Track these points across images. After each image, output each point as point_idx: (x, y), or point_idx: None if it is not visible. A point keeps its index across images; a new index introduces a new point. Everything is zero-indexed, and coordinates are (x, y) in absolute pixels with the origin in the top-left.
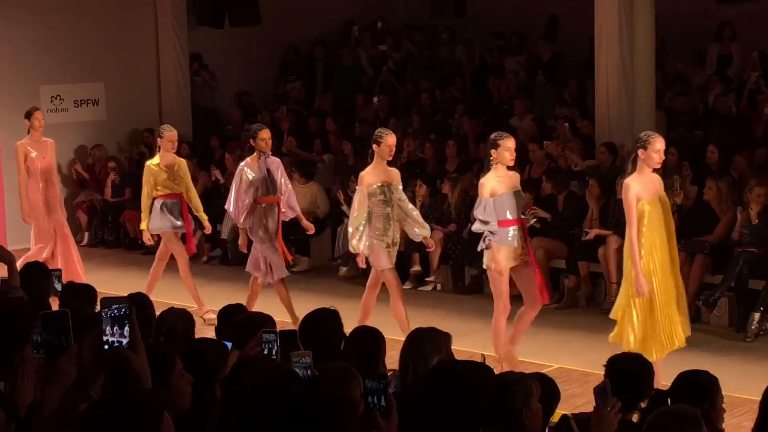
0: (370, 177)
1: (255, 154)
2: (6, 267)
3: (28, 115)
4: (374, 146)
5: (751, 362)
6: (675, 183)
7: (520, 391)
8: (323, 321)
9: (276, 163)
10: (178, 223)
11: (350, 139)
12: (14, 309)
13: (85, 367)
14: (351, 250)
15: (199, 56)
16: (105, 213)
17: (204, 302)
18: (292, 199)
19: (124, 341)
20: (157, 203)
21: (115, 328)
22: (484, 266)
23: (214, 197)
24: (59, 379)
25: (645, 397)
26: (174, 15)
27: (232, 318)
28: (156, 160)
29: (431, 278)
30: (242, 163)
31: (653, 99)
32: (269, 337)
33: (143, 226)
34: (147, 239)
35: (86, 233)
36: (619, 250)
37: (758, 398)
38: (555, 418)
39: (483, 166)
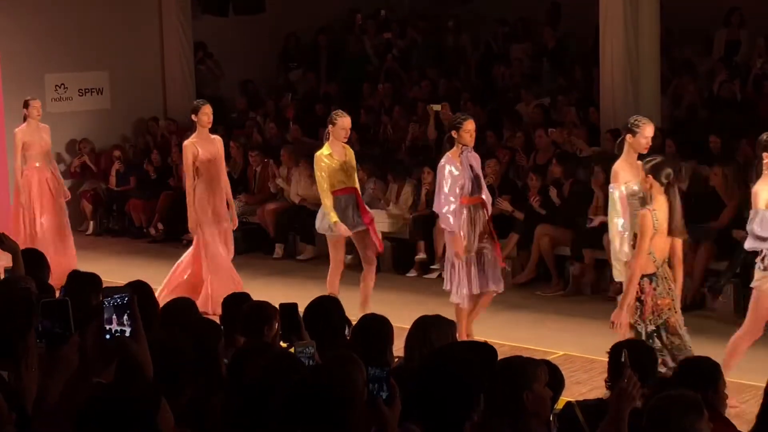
0: None
1: (455, 147)
2: (12, 257)
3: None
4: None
5: (757, 348)
6: (681, 169)
7: (522, 374)
8: (324, 308)
9: (477, 158)
10: (357, 221)
11: (355, 127)
12: (19, 299)
13: (88, 357)
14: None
15: (204, 45)
16: (110, 202)
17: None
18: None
19: (127, 330)
20: None
21: (116, 318)
22: (753, 285)
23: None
24: (61, 369)
25: (648, 382)
26: (178, 3)
27: (236, 307)
28: (326, 150)
29: (436, 266)
30: (443, 159)
31: (658, 86)
32: (308, 351)
33: (334, 218)
34: (344, 231)
35: (91, 222)
36: None
37: (763, 384)
38: (559, 405)
39: (488, 154)
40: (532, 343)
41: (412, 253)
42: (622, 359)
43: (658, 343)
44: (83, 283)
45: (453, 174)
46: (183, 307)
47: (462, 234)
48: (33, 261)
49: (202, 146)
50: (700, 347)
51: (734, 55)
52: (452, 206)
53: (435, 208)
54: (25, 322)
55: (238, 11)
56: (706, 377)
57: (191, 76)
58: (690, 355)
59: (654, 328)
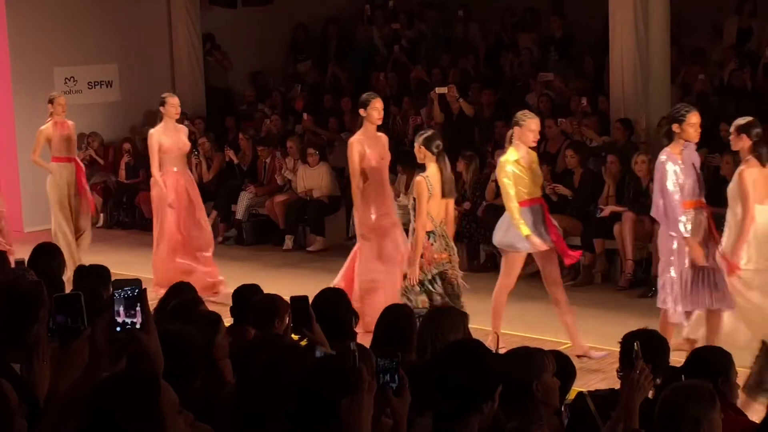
0: None
1: (675, 142)
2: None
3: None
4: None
5: None
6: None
7: (531, 364)
8: (332, 300)
9: (698, 156)
10: (545, 236)
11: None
12: (29, 291)
13: (97, 349)
14: None
15: (212, 36)
16: (120, 194)
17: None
18: None
19: (137, 322)
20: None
21: (127, 310)
22: None
23: (229, 177)
24: (73, 362)
25: (660, 373)
26: None
27: (247, 298)
28: (513, 154)
29: None
30: (663, 155)
31: (668, 75)
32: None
33: (526, 231)
34: (541, 245)
35: (101, 214)
36: (634, 227)
37: None
38: (571, 395)
39: (498, 145)
40: (542, 333)
41: None
42: (634, 350)
43: (438, 288)
44: (91, 275)
45: (676, 173)
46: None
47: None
48: (45, 254)
49: (169, 136)
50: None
51: (746, 44)
52: (680, 209)
53: (654, 214)
54: (35, 315)
55: (247, 2)
56: (717, 366)
57: (200, 67)
58: (461, 303)
59: (431, 277)
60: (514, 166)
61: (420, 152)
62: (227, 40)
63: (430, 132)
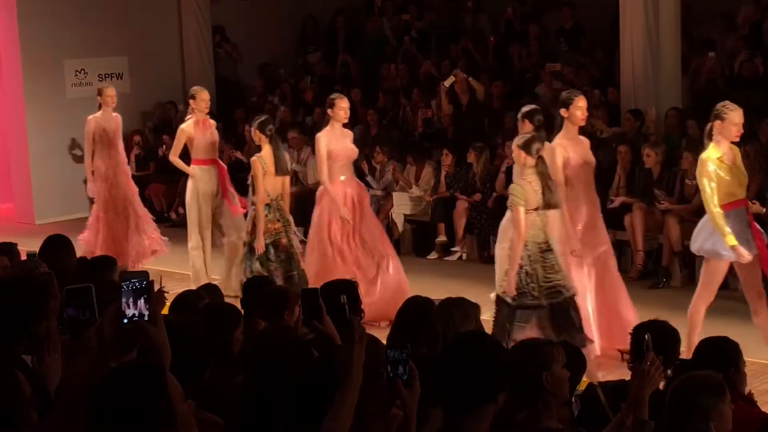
0: None
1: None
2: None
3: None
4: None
5: None
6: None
7: (541, 356)
8: (341, 291)
9: None
10: (751, 244)
11: (374, 109)
12: (39, 283)
13: (105, 341)
14: None
15: (222, 28)
16: None
17: None
18: None
19: (145, 314)
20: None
21: (134, 302)
22: None
23: (239, 171)
24: (84, 355)
25: (671, 364)
26: None
27: (258, 290)
28: (714, 152)
29: (457, 248)
30: None
31: (679, 65)
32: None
33: (732, 240)
34: (747, 256)
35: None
36: (645, 218)
37: None
38: (582, 386)
39: (507, 136)
40: None
41: (432, 235)
42: (645, 341)
43: (272, 256)
44: (96, 266)
45: None
46: (192, 296)
47: None
48: (56, 246)
49: (338, 141)
50: (723, 327)
51: (758, 34)
52: None
53: None
54: (46, 307)
55: None
56: (726, 356)
57: (210, 60)
58: (299, 267)
59: (265, 245)
60: (717, 164)
61: (255, 135)
62: (237, 32)
63: (264, 117)
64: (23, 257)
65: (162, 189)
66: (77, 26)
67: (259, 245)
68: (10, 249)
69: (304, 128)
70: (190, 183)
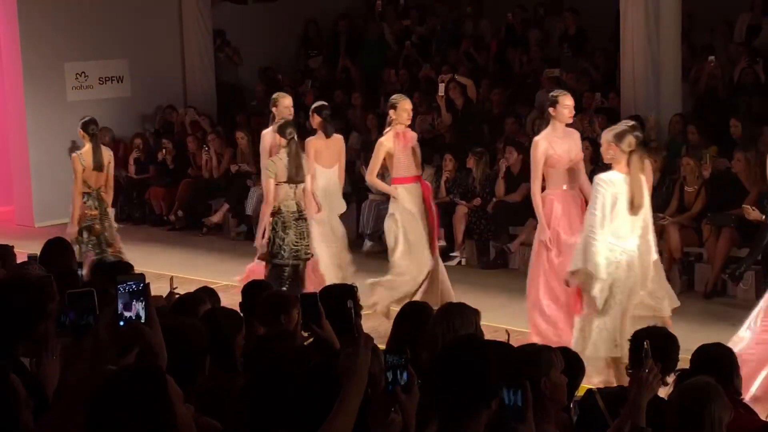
0: None
1: None
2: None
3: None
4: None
5: None
6: (705, 156)
7: (539, 361)
8: (340, 295)
9: None
10: None
11: (375, 114)
12: (39, 285)
13: (101, 343)
14: None
15: (223, 32)
16: (130, 190)
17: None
18: None
19: (141, 317)
20: None
21: (131, 304)
22: None
23: (239, 174)
24: (84, 358)
25: (669, 371)
26: None
27: (256, 294)
28: None
29: (456, 253)
30: None
31: (679, 71)
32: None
33: None
34: None
35: (112, 209)
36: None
37: None
38: (580, 392)
39: (509, 141)
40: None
41: None
42: (644, 348)
43: (86, 238)
44: (106, 272)
45: None
46: (194, 299)
47: None
48: (58, 249)
49: (558, 144)
50: (722, 334)
51: (754, 40)
52: None
53: None
54: (44, 309)
55: None
56: (723, 362)
57: (210, 63)
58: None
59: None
60: None
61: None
62: (238, 35)
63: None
64: (22, 259)
65: (161, 192)
66: (78, 29)
67: (71, 230)
68: (3, 252)
69: (305, 133)
70: (391, 207)
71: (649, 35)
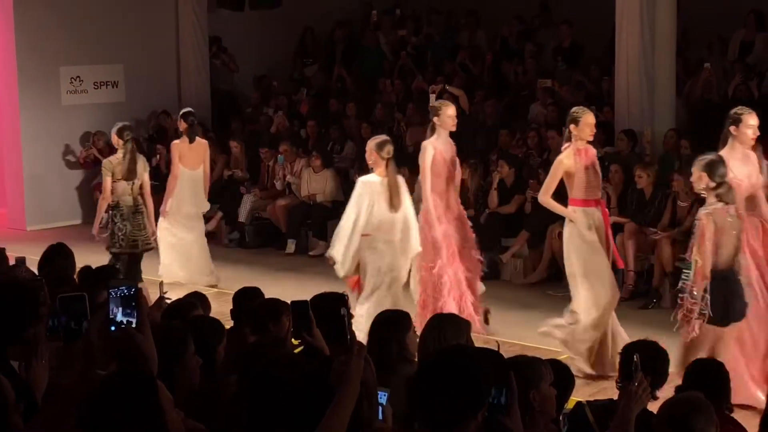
0: None
1: None
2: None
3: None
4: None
5: None
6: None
7: (528, 373)
8: (330, 303)
9: None
10: None
11: (369, 123)
12: (29, 289)
13: (92, 347)
14: None
15: (219, 39)
16: None
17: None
18: None
19: (132, 321)
20: None
21: (122, 309)
22: None
23: (232, 181)
24: (75, 362)
25: (659, 385)
26: None
27: (248, 301)
28: None
29: None
30: None
31: (674, 86)
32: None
33: None
34: None
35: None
36: (636, 238)
37: None
38: (570, 404)
39: (502, 153)
40: (543, 342)
41: None
42: (634, 362)
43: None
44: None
45: None
46: (186, 305)
47: None
48: (57, 254)
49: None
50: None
51: (748, 56)
52: None
53: None
54: (34, 313)
55: (254, 5)
56: (716, 378)
57: (206, 70)
58: None
59: None
60: None
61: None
62: (234, 42)
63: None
64: (11, 262)
65: (155, 198)
66: (74, 33)
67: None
68: None
69: (298, 140)
70: (567, 230)
71: (644, 50)
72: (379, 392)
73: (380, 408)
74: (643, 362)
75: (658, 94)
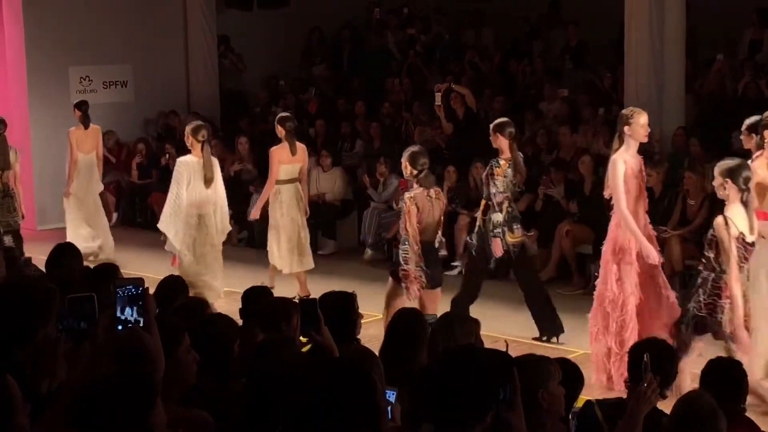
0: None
1: None
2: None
3: None
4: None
5: None
6: (707, 170)
7: (537, 372)
8: (338, 302)
9: None
10: None
11: (377, 122)
12: (39, 289)
13: (98, 346)
14: None
15: (227, 38)
16: (132, 194)
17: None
18: None
19: (140, 321)
20: None
21: (129, 308)
22: None
23: (241, 180)
24: (83, 362)
25: (668, 384)
26: None
27: (256, 301)
28: None
29: (457, 262)
30: None
31: (683, 86)
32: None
33: None
34: None
35: (115, 213)
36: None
37: None
38: (579, 403)
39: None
40: (552, 341)
41: None
42: (644, 362)
43: None
44: (102, 275)
45: None
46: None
47: None
48: (66, 253)
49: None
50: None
51: (756, 54)
52: None
53: None
54: (44, 313)
55: (262, 5)
56: (733, 377)
57: (214, 70)
58: None
59: None
60: None
61: None
62: (242, 42)
63: None
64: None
65: (164, 197)
66: (83, 33)
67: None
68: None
69: (307, 140)
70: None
71: (653, 48)
72: (387, 391)
73: (389, 407)
74: (651, 362)
75: (667, 93)
